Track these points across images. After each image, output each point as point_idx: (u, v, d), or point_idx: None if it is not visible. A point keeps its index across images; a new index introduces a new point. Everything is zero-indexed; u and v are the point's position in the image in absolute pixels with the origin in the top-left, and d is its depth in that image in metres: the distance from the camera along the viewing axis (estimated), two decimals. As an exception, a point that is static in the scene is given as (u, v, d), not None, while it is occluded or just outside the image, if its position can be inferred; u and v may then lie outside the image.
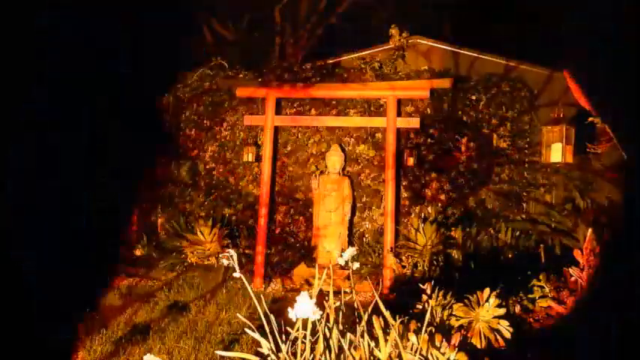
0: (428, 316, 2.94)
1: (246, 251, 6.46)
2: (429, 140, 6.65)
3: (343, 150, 6.73)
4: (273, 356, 2.83)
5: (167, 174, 7.61)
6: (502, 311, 3.21)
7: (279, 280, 6.27)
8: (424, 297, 3.52)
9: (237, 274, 2.84)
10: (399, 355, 2.74)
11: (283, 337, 2.87)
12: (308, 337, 2.70)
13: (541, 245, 5.03)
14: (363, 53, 7.48)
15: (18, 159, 4.49)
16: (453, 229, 5.95)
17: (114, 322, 4.56)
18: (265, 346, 2.87)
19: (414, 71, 6.82)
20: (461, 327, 3.21)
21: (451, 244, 5.66)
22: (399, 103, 6.48)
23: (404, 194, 6.59)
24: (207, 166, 7.37)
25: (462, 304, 3.33)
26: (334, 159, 6.54)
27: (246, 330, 3.05)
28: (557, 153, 5.52)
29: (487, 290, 3.30)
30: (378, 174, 6.67)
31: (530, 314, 3.55)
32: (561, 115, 5.80)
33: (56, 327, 4.14)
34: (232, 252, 2.94)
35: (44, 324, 3.97)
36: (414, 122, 6.34)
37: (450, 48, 7.37)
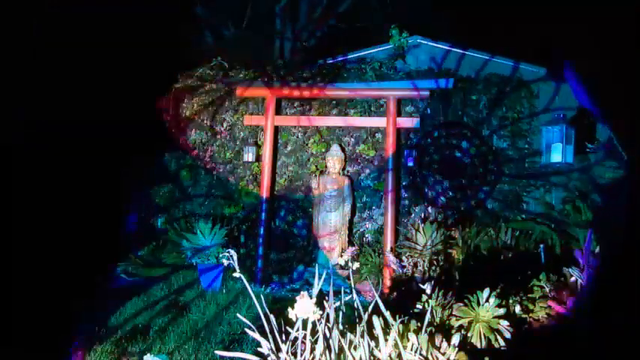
0: (428, 316, 2.95)
1: (246, 251, 6.46)
2: (429, 140, 6.65)
3: (343, 150, 6.73)
4: (273, 356, 2.83)
5: (167, 174, 7.61)
6: (502, 311, 3.21)
7: (280, 279, 6.27)
8: (424, 297, 3.52)
9: (237, 274, 2.84)
10: (399, 355, 2.74)
11: (283, 337, 2.87)
12: (308, 337, 2.71)
13: (541, 245, 5.02)
14: (363, 53, 7.48)
15: (18, 158, 4.49)
16: (453, 229, 5.95)
17: (114, 322, 4.56)
18: (265, 346, 2.87)
19: (414, 71, 6.82)
20: (461, 327, 3.21)
21: (451, 244, 5.66)
22: (399, 103, 6.48)
23: (404, 194, 6.59)
24: (208, 166, 7.36)
25: (462, 304, 3.33)
26: (334, 159, 6.54)
27: (246, 330, 3.05)
28: (557, 153, 5.52)
29: (487, 290, 3.30)
30: (378, 174, 6.67)
31: (530, 314, 3.54)
32: (561, 115, 5.81)
33: (56, 326, 4.14)
34: (232, 252, 2.94)
35: (44, 324, 3.98)
36: (415, 122, 6.35)
37: (450, 48, 7.36)
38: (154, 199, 7.59)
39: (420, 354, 2.76)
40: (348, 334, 2.86)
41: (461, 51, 7.30)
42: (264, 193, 6.44)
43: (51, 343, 3.94)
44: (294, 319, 2.54)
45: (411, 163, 6.40)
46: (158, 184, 7.62)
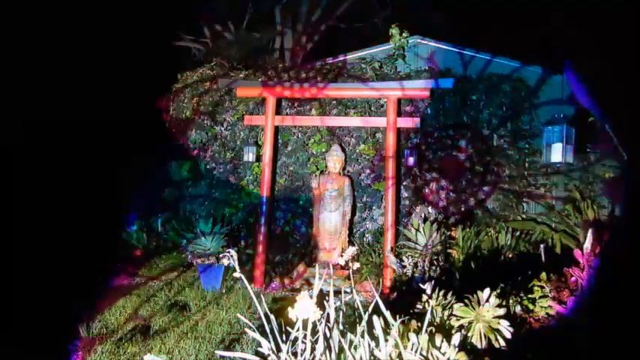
0: (428, 316, 2.94)
1: (247, 251, 6.46)
2: (429, 140, 6.65)
3: (343, 150, 6.73)
4: (273, 356, 2.83)
5: (168, 174, 7.62)
6: (502, 311, 3.21)
7: (280, 279, 6.27)
8: (424, 297, 3.52)
9: (237, 274, 2.85)
10: (400, 355, 2.74)
11: (283, 336, 2.87)
12: (308, 337, 2.70)
13: (541, 245, 5.02)
14: (364, 53, 7.49)
15: (19, 159, 4.50)
16: (453, 229, 5.95)
17: (114, 322, 4.57)
18: (265, 346, 2.87)
19: (414, 71, 6.82)
20: (461, 327, 3.21)
21: (451, 244, 5.66)
22: (400, 103, 6.48)
23: (404, 194, 6.59)
24: (208, 166, 7.37)
25: (462, 304, 3.33)
26: (334, 159, 6.54)
27: (247, 330, 3.06)
28: (557, 153, 5.51)
29: (487, 290, 3.30)
30: (379, 174, 6.67)
31: (530, 314, 3.55)
32: (561, 115, 5.80)
33: (56, 327, 4.15)
34: (232, 252, 2.95)
35: (44, 324, 3.98)
36: (415, 122, 6.34)
37: (450, 48, 7.37)
38: (155, 199, 7.60)
39: (421, 354, 2.76)
40: (349, 334, 2.86)
41: (461, 51, 7.31)
42: (265, 193, 6.43)
43: (51, 343, 3.95)
44: (294, 319, 2.55)
45: (411, 163, 6.40)
46: (159, 184, 7.62)
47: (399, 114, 6.43)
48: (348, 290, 5.15)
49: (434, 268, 5.33)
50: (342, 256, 3.08)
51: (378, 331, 2.81)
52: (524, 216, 6.52)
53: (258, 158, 6.79)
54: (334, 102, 6.88)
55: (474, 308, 3.24)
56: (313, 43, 12.16)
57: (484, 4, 10.22)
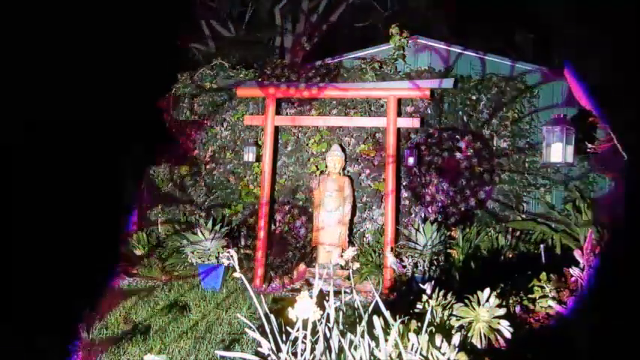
0: (428, 316, 2.94)
1: (247, 251, 6.47)
2: (429, 140, 6.64)
3: (343, 150, 6.72)
4: (273, 356, 2.83)
5: (168, 174, 7.61)
6: (502, 311, 3.21)
7: (280, 280, 6.27)
8: (424, 297, 3.52)
9: (237, 274, 2.85)
10: (400, 355, 2.74)
11: (283, 337, 2.88)
12: (308, 337, 2.71)
13: (541, 245, 5.02)
14: (364, 53, 7.48)
15: (19, 159, 4.50)
16: (453, 229, 5.95)
17: (114, 322, 4.57)
18: (265, 346, 2.87)
19: (414, 71, 6.81)
20: (461, 327, 3.21)
21: (451, 244, 5.66)
22: (400, 103, 6.47)
23: (404, 194, 6.59)
24: (208, 166, 7.36)
25: (462, 304, 3.33)
26: (335, 159, 6.54)
27: (247, 330, 3.06)
28: (557, 153, 5.52)
29: (487, 290, 3.30)
30: (379, 174, 6.66)
31: (530, 314, 3.55)
32: (561, 115, 5.81)
33: (57, 327, 4.15)
34: (232, 252, 2.95)
35: (44, 324, 3.98)
36: (415, 122, 6.34)
37: (450, 48, 7.36)
38: (155, 199, 7.59)
39: (421, 354, 2.76)
40: (348, 334, 2.86)
41: (461, 51, 7.30)
42: (265, 193, 6.43)
43: (51, 343, 3.95)
44: (294, 319, 2.55)
45: (411, 163, 6.40)
46: (158, 184, 7.62)
47: (399, 114, 6.43)
48: (348, 290, 5.15)
49: (434, 268, 5.33)
50: (342, 256, 3.08)
51: (378, 331, 2.80)
52: (524, 216, 6.52)
53: (258, 158, 6.78)
54: (334, 102, 6.87)
55: (474, 308, 3.24)
56: (313, 43, 12.17)
57: (485, 4, 10.22)
